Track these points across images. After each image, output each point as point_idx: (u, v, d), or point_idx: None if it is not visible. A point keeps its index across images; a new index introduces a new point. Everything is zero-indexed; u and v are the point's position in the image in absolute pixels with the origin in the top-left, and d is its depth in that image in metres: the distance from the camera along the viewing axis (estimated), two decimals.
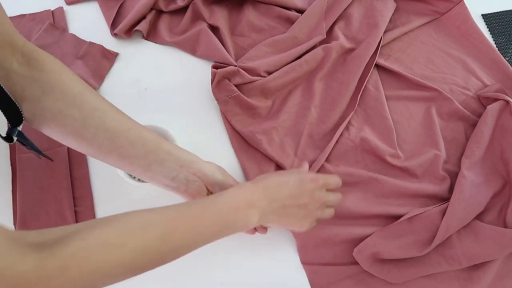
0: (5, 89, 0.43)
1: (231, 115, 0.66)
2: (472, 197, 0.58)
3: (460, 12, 0.78)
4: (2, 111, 0.44)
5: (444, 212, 0.57)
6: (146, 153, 0.49)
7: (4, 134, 0.46)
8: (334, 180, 0.54)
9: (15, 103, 0.44)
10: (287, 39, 0.72)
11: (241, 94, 0.66)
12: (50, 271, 0.34)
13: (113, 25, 0.75)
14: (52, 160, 0.59)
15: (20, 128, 0.47)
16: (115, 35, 0.74)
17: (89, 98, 0.48)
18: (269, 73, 0.69)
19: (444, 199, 0.61)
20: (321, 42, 0.73)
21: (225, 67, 0.67)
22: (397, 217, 0.59)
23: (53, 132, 0.49)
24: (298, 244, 0.58)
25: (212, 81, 0.67)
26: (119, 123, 0.49)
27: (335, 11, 0.73)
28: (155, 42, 0.75)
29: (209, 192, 0.53)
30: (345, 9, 0.76)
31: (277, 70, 0.69)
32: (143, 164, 0.49)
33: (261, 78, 0.68)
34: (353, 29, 0.74)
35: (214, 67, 0.68)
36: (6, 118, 0.45)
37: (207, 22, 0.75)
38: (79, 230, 0.37)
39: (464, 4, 0.78)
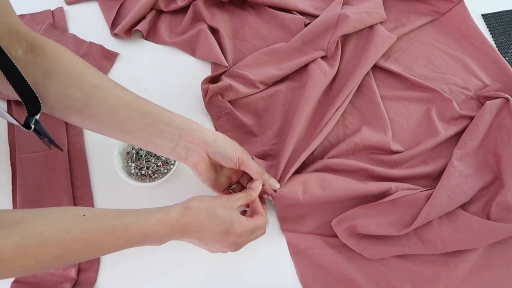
0: (26, 79, 0.44)
1: (223, 131, 0.65)
2: (458, 187, 0.59)
3: (460, 12, 0.78)
4: (22, 99, 0.45)
5: (429, 197, 0.58)
6: (146, 126, 0.50)
7: (22, 123, 0.47)
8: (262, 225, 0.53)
9: (34, 92, 0.45)
10: (287, 50, 0.71)
11: (234, 111, 0.66)
12: None
13: (113, 25, 0.75)
14: (62, 150, 0.61)
15: (37, 117, 0.48)
16: (115, 35, 0.74)
17: (89, 78, 0.49)
18: (265, 84, 0.69)
19: (433, 185, 0.62)
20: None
21: (218, 81, 0.67)
22: (382, 197, 0.60)
23: (58, 113, 0.50)
24: (280, 214, 0.60)
25: (204, 97, 0.67)
26: (118, 100, 0.49)
27: (338, 31, 0.71)
28: (155, 42, 0.75)
29: (211, 160, 0.53)
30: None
31: (273, 82, 0.69)
32: (144, 137, 0.50)
33: (255, 90, 0.67)
34: (345, 55, 0.73)
35: (206, 81, 0.68)
36: (25, 106, 0.46)
37: (207, 24, 0.75)
38: None
39: (464, 4, 0.78)
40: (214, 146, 0.51)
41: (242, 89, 0.67)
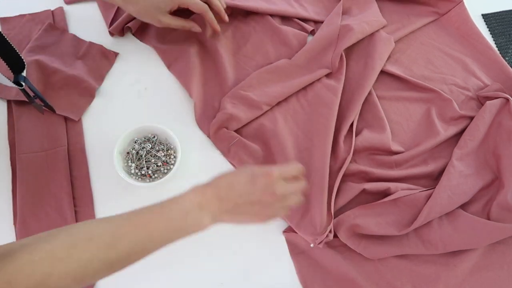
0: (5, 37, 0.44)
1: (237, 163, 0.63)
2: (458, 187, 0.59)
3: (460, 13, 0.78)
4: (3, 59, 0.45)
5: (429, 197, 0.58)
6: None
7: (11, 83, 0.47)
8: (292, 168, 0.51)
9: (16, 50, 0.45)
10: (291, 67, 0.69)
11: (242, 139, 0.63)
12: None
13: (111, 25, 0.75)
14: (55, 112, 0.62)
15: (24, 74, 0.48)
16: (112, 34, 0.74)
17: None
18: (269, 105, 0.66)
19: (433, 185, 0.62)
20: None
21: (215, 116, 0.64)
22: (382, 197, 0.60)
23: None
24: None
25: (209, 135, 0.65)
26: None
27: (340, 45, 0.70)
28: (141, 40, 0.74)
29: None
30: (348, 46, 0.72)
31: (277, 102, 0.67)
32: None
33: (259, 112, 0.65)
34: (349, 66, 0.72)
35: (200, 119, 0.65)
36: (8, 66, 0.46)
37: (204, 43, 0.72)
38: (27, 244, 0.38)
39: (463, 4, 0.78)
40: None
41: (245, 114, 0.64)
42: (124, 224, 0.43)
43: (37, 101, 0.56)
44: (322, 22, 0.76)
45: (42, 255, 0.38)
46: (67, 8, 0.77)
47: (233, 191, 0.47)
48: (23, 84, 0.48)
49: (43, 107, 0.56)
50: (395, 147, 0.64)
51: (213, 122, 0.64)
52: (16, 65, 0.47)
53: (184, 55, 0.71)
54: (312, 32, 0.76)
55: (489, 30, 0.81)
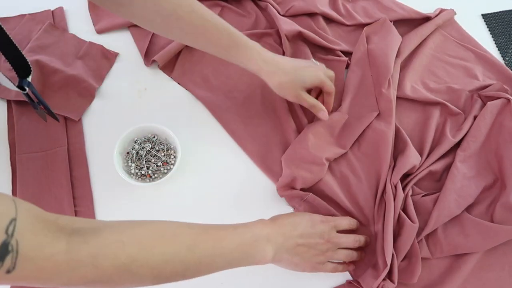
0: (14, 42, 0.44)
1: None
2: (463, 189, 0.59)
3: (453, 23, 0.79)
4: (10, 63, 0.45)
5: (435, 202, 0.58)
6: (228, 46, 0.58)
7: (15, 87, 0.47)
8: (346, 222, 0.56)
9: (22, 54, 0.46)
10: (342, 119, 0.66)
11: (312, 195, 0.60)
12: (81, 257, 0.34)
13: (146, 55, 0.73)
14: (59, 121, 0.62)
15: (29, 79, 0.48)
16: (147, 65, 0.72)
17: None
18: (328, 160, 0.62)
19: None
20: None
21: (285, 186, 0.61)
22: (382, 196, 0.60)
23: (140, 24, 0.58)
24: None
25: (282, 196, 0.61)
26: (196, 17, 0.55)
27: (379, 86, 0.68)
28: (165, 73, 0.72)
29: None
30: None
31: (336, 157, 0.64)
32: (223, 54, 0.59)
33: (323, 168, 0.61)
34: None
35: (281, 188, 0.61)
36: (14, 70, 0.46)
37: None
38: (112, 225, 0.39)
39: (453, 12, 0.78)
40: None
41: (309, 174, 0.60)
42: (203, 232, 0.44)
43: (41, 107, 0.56)
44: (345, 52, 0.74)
45: (130, 238, 0.38)
46: (67, 8, 0.77)
47: (295, 231, 0.51)
48: (27, 89, 0.48)
49: (47, 114, 0.55)
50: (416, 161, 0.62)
51: (277, 188, 0.61)
52: (22, 69, 0.47)
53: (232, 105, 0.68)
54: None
55: (489, 30, 0.80)
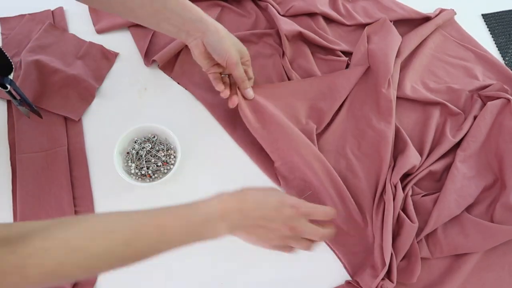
0: None
1: None
2: (463, 189, 0.59)
3: (453, 23, 0.79)
4: None
5: (435, 202, 0.58)
6: (154, 13, 0.56)
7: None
8: (321, 210, 0.50)
9: (5, 53, 0.46)
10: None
11: (313, 193, 0.61)
12: (7, 268, 0.34)
13: (146, 55, 0.72)
14: (42, 117, 0.62)
15: (11, 77, 0.49)
16: (150, 62, 0.72)
17: None
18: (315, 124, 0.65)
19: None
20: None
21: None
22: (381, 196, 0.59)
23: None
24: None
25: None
26: None
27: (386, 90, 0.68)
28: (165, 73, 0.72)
29: (205, 51, 0.59)
30: None
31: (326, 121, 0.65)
32: (153, 23, 0.58)
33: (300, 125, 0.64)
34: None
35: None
36: None
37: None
38: (43, 228, 0.37)
39: (453, 11, 0.78)
40: (209, 39, 0.57)
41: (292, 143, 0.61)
42: (145, 223, 0.42)
43: (25, 105, 0.56)
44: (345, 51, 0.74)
45: (57, 243, 0.37)
46: (67, 8, 0.77)
47: (257, 212, 0.47)
48: (8, 86, 0.48)
49: (29, 111, 0.55)
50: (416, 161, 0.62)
51: (281, 183, 0.62)
52: (3, 67, 0.47)
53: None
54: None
55: (489, 30, 0.81)
